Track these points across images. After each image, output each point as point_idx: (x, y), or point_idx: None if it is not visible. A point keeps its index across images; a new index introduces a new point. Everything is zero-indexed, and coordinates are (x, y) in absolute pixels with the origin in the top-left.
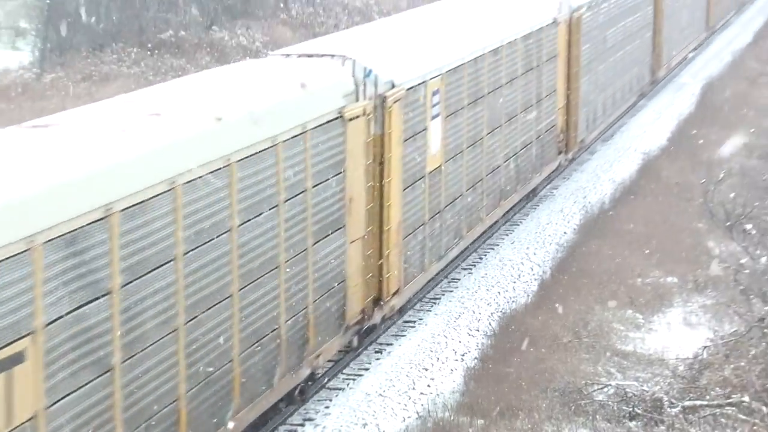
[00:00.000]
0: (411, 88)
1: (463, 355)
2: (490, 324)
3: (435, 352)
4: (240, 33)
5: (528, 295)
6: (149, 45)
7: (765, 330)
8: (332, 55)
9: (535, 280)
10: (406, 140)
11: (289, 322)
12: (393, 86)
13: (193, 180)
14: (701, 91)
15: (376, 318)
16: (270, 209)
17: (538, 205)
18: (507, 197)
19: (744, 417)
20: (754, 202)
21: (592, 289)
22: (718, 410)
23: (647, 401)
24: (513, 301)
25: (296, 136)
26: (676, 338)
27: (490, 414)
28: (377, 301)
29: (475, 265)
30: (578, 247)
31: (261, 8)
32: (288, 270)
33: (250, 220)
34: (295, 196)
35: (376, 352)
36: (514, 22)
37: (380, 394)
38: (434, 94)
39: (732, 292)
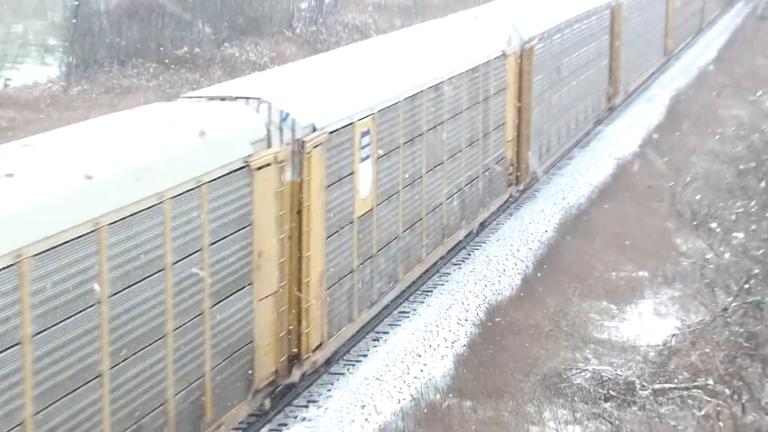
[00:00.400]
0: (335, 130)
1: (453, 343)
2: (477, 314)
3: (427, 340)
4: (249, 49)
5: (512, 288)
6: (167, 60)
7: (728, 319)
8: (247, 98)
9: (519, 274)
10: (330, 186)
11: (179, 395)
12: (314, 129)
13: (48, 250)
14: (670, 102)
15: (295, 376)
16: (153, 274)
17: (521, 206)
18: (451, 234)
19: (708, 398)
20: (718, 203)
21: (570, 282)
22: (685, 392)
23: (621, 384)
24: (499, 294)
25: (190, 190)
26: (646, 327)
27: (477, 396)
28: (296, 358)
29: (464, 261)
30: (558, 244)
31: (268, 26)
32: (178, 338)
33: (125, 288)
34: (188, 256)
35: (374, 340)
36: (458, 57)
37: (377, 378)
38: (364, 135)
39: (698, 285)
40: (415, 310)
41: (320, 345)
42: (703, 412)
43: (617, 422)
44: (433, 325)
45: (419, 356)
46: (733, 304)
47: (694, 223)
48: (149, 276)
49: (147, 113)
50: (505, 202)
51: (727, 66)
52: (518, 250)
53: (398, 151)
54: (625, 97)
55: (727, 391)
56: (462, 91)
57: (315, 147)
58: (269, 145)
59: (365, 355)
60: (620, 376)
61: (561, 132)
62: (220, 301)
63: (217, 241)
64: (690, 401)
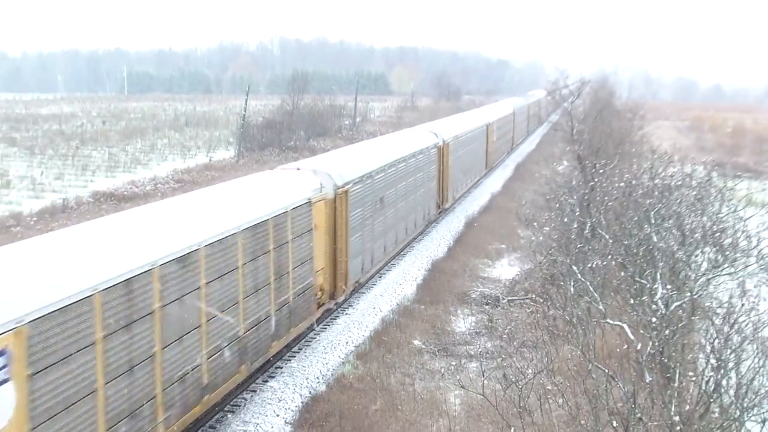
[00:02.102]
0: None
1: (415, 278)
2: (427, 265)
3: (404, 277)
4: (321, 142)
5: (443, 252)
6: (283, 148)
7: (542, 268)
8: None
9: (446, 246)
10: None
11: None
12: None
13: None
14: (514, 168)
15: None
16: None
17: (447, 216)
18: (232, 378)
19: (533, 303)
20: (536, 213)
21: (470, 250)
22: (522, 301)
23: (493, 297)
24: (436, 256)
25: None
26: (505, 271)
27: (427, 303)
28: None
29: (420, 241)
30: (464, 232)
31: (330, 132)
32: None
33: None
34: None
35: (379, 277)
36: (239, 216)
37: (380, 295)
38: None
39: (528, 252)
40: (398, 263)
41: None
42: (530, 310)
43: (491, 315)
44: (406, 270)
45: (400, 284)
46: (544, 260)
47: (526, 222)
48: None
49: None
50: (318, 319)
51: (540, 151)
52: (445, 236)
53: (122, 331)
54: (453, 201)
55: (541, 300)
56: (236, 252)
57: None
58: None
59: (375, 284)
60: (493, 293)
61: (387, 244)
62: None
63: None
64: (524, 305)
